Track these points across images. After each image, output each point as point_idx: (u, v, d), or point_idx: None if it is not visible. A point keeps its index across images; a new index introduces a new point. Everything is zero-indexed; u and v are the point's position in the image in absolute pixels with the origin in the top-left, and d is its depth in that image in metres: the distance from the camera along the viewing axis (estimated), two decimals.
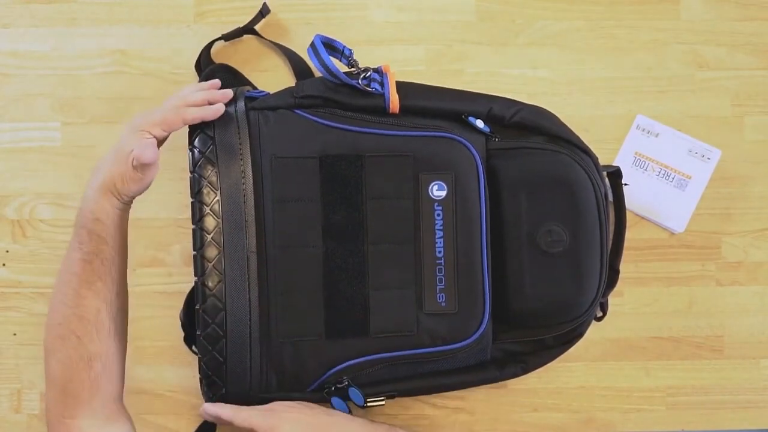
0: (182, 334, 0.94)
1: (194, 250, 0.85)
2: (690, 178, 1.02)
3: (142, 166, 0.82)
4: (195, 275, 0.85)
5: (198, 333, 0.86)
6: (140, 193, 0.85)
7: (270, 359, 0.88)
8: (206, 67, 1.01)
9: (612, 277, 0.97)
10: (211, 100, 0.86)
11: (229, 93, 0.88)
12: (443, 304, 0.90)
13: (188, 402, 1.01)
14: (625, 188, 0.98)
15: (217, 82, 0.90)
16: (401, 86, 0.92)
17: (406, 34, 1.05)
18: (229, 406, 0.85)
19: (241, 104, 0.89)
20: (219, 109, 0.85)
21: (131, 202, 0.86)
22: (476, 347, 0.92)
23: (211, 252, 0.85)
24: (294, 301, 0.88)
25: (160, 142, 0.84)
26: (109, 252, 0.83)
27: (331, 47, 0.93)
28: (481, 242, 0.90)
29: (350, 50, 0.93)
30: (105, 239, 0.82)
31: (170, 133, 0.84)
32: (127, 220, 0.86)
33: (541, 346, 0.96)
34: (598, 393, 1.03)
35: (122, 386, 0.87)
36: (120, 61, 1.04)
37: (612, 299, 0.99)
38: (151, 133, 0.82)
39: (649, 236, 1.04)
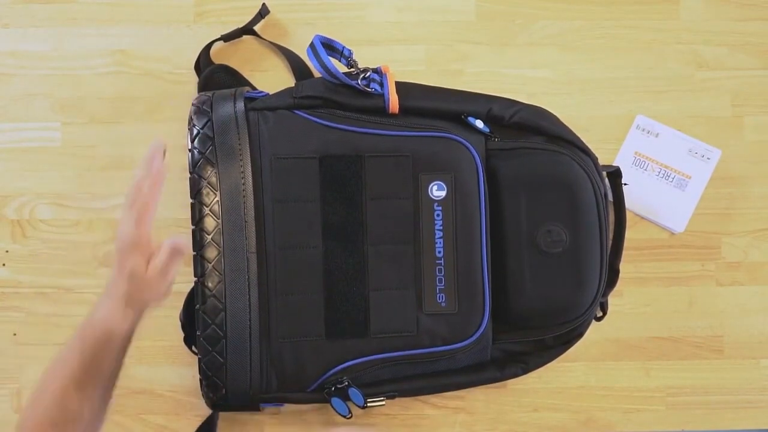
0: (182, 334, 0.94)
1: (194, 250, 0.85)
2: (690, 178, 1.02)
3: (162, 272, 0.74)
4: (195, 276, 0.85)
5: (198, 333, 0.86)
6: (166, 297, 0.77)
7: (270, 359, 0.88)
8: (205, 67, 1.01)
9: (612, 277, 0.97)
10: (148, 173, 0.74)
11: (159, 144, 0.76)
12: (443, 304, 0.90)
13: (188, 402, 1.00)
14: (625, 188, 0.98)
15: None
16: (401, 86, 0.92)
17: (406, 34, 1.05)
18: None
19: (240, 105, 0.89)
20: (159, 169, 0.74)
21: (144, 311, 0.78)
22: (476, 347, 0.92)
23: (211, 252, 0.85)
24: (294, 301, 0.88)
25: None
26: (109, 364, 0.75)
27: (331, 48, 0.93)
28: (481, 242, 0.90)
29: (350, 50, 0.93)
30: (111, 354, 0.75)
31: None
32: (133, 333, 0.78)
33: (541, 346, 0.96)
34: (598, 393, 1.03)
35: None
36: (120, 61, 1.04)
37: (612, 299, 0.99)
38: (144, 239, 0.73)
39: (649, 236, 1.04)
